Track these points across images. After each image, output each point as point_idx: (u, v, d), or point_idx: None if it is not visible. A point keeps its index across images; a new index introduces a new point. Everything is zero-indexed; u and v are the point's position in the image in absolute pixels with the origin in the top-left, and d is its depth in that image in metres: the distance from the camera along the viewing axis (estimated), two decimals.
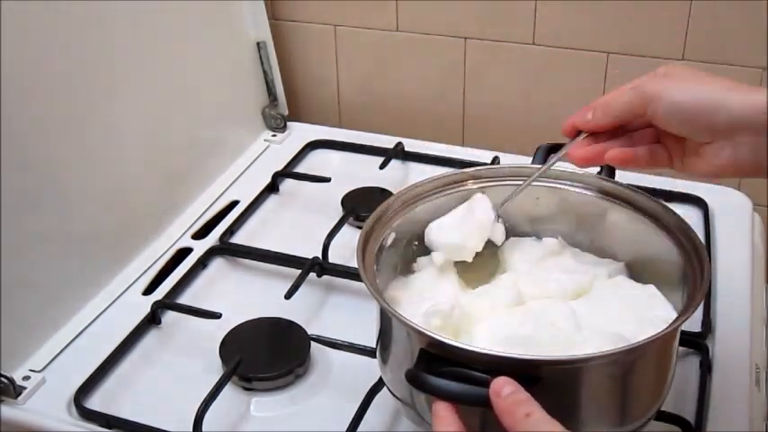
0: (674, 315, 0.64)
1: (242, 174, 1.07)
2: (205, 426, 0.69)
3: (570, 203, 0.74)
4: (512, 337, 0.62)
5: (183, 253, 0.93)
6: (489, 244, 0.73)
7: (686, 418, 0.70)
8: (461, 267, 0.72)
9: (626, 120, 0.65)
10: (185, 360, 0.80)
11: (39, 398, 0.75)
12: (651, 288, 0.68)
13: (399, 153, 1.08)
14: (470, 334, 0.64)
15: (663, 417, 0.68)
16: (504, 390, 0.52)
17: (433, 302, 0.65)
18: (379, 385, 0.71)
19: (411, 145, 1.09)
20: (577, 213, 0.74)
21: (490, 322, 0.65)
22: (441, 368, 0.55)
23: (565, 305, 0.66)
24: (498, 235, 0.74)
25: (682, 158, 0.65)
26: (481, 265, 0.73)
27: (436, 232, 0.72)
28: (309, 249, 0.88)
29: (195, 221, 0.98)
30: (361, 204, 0.98)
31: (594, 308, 0.67)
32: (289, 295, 0.82)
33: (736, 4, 0.98)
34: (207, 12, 1.02)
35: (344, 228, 0.92)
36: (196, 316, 0.82)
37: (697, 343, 0.78)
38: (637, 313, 0.66)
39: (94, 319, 0.83)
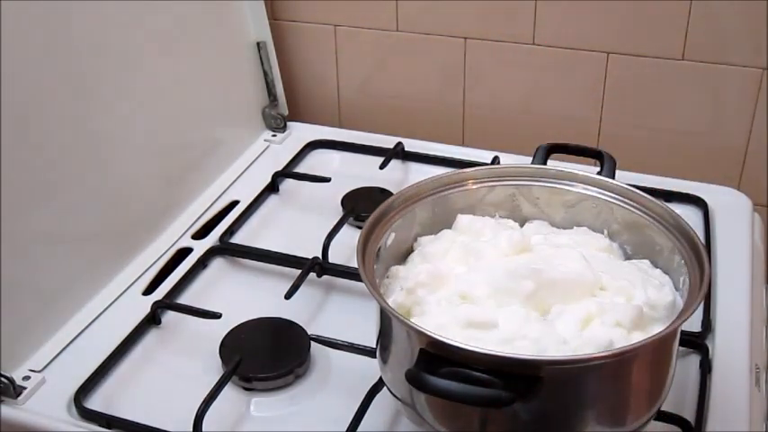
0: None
1: (242, 174, 1.07)
2: (205, 426, 0.69)
3: (571, 204, 0.74)
4: (522, 268, 0.62)
5: (183, 253, 0.93)
6: None
7: (686, 418, 0.70)
8: None
9: None
10: (185, 360, 0.80)
11: (39, 398, 0.75)
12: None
13: (399, 153, 1.08)
14: (474, 268, 0.65)
15: (663, 417, 0.68)
16: None
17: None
18: (379, 385, 0.71)
19: (411, 145, 1.09)
20: (578, 214, 0.74)
21: (498, 260, 0.65)
22: (441, 368, 0.55)
23: (575, 251, 0.67)
24: None
25: None
26: None
27: None
28: (309, 249, 0.88)
29: (195, 221, 0.98)
30: (361, 204, 0.98)
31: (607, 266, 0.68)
32: (289, 295, 0.82)
33: (736, 4, 0.98)
34: (207, 12, 1.02)
35: (344, 228, 0.92)
36: (196, 316, 0.82)
37: (697, 343, 0.78)
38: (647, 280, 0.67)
39: (94, 319, 0.83)
